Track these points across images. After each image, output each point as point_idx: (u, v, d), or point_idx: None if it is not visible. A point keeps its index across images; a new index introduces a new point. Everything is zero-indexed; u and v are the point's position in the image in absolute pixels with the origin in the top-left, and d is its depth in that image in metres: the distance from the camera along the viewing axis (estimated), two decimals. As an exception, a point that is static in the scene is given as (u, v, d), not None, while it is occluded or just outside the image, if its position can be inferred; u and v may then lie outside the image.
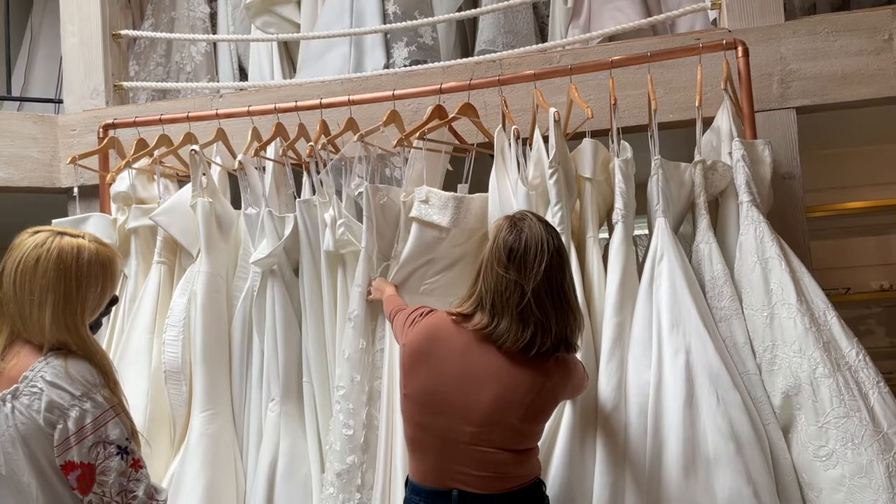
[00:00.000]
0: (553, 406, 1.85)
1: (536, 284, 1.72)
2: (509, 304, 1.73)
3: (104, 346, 1.83)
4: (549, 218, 2.24)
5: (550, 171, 2.21)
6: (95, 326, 1.70)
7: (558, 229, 2.18)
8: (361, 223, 2.43)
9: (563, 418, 2.05)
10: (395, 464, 2.25)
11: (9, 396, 1.52)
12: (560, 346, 1.78)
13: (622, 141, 2.27)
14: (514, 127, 2.37)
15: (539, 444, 1.91)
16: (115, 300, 1.72)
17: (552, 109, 2.26)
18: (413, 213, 2.36)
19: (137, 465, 1.56)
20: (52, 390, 1.51)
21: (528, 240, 1.75)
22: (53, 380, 1.51)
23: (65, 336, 1.56)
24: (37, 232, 1.60)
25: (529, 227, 1.77)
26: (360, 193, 2.43)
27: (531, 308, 1.72)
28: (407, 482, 1.91)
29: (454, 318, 1.83)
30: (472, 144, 2.56)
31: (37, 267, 1.55)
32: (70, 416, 1.50)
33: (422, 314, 1.95)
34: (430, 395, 1.82)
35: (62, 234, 1.60)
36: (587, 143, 2.29)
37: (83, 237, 1.63)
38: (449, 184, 2.53)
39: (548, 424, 2.01)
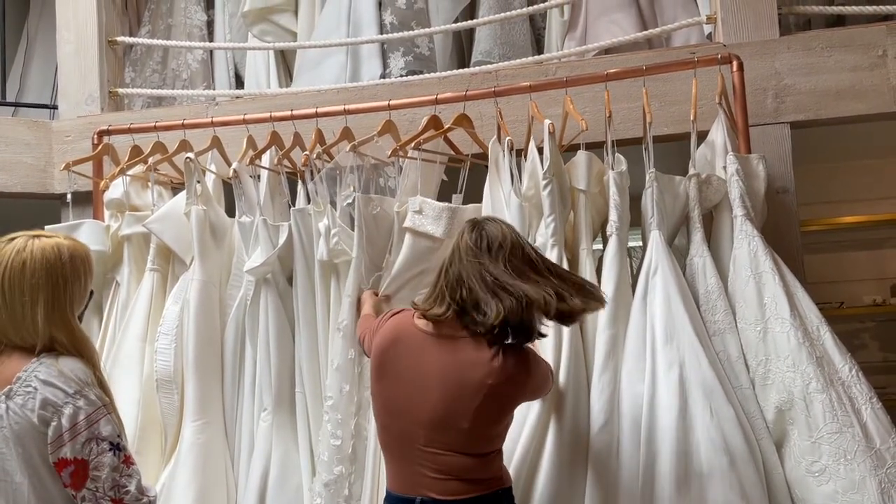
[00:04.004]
0: (508, 409, 1.83)
1: (499, 265, 1.74)
2: (473, 287, 1.74)
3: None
4: (542, 229, 2.25)
5: (544, 182, 2.21)
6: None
7: (551, 241, 2.20)
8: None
9: (551, 429, 2.03)
10: (383, 475, 2.23)
11: (3, 397, 1.56)
12: (530, 324, 1.76)
13: (617, 153, 2.27)
14: (507, 138, 2.37)
15: (524, 455, 1.90)
16: (91, 293, 1.79)
17: (547, 121, 2.26)
18: (406, 224, 2.36)
19: (129, 461, 1.61)
20: (46, 388, 1.55)
21: (490, 231, 1.79)
22: (47, 378, 1.55)
23: (57, 331, 1.61)
24: (12, 239, 1.66)
25: (489, 224, 1.82)
26: (350, 203, 2.42)
27: (498, 284, 1.73)
28: None
29: (416, 314, 1.85)
30: (467, 155, 2.56)
31: (24, 270, 1.61)
32: (64, 413, 1.54)
33: (389, 316, 1.96)
34: (389, 395, 1.84)
35: (36, 236, 1.67)
36: (582, 155, 2.29)
37: (57, 237, 1.69)
38: (444, 194, 2.53)
39: (533, 435, 2.01)
